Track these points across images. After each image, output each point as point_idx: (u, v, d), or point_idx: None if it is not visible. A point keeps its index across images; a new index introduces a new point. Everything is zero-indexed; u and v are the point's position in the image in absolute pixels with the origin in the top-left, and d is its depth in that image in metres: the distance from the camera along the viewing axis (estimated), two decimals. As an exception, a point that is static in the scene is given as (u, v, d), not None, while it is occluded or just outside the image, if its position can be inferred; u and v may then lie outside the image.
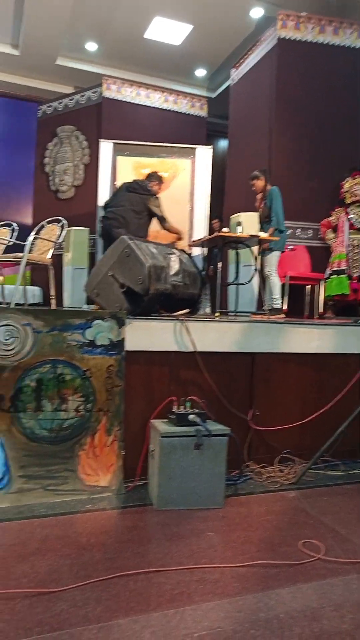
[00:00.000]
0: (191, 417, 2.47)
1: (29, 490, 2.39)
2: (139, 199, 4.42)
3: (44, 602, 1.55)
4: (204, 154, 6.62)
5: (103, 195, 6.49)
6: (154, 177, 4.69)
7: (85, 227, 6.27)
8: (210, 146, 6.80)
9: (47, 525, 2.12)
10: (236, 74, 6.78)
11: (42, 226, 4.56)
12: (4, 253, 4.65)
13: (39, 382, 2.49)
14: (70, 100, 7.49)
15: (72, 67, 7.75)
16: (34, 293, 6.90)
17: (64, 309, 5.21)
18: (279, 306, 4.51)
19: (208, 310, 4.71)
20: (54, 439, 2.49)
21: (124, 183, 4.67)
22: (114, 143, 6.51)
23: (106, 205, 4.66)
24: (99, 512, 2.31)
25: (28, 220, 7.85)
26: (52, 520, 2.18)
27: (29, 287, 6.16)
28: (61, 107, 7.63)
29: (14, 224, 4.90)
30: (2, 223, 4.98)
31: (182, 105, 7.66)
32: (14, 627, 1.42)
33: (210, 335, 2.87)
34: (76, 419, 2.54)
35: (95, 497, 2.47)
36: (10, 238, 4.73)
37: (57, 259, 5.37)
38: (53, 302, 4.48)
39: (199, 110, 7.74)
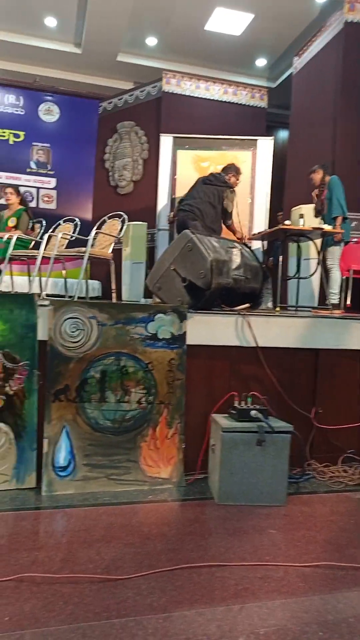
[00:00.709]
0: (253, 412, 2.44)
1: (93, 478, 2.45)
2: (215, 191, 4.40)
3: (110, 588, 1.58)
4: (265, 146, 6.49)
5: (163, 189, 6.53)
6: (231, 168, 4.65)
7: (143, 221, 6.34)
8: (271, 137, 6.66)
9: (110, 513, 2.17)
10: (299, 62, 6.58)
11: (104, 221, 4.65)
12: (66, 248, 4.78)
13: (103, 373, 2.55)
14: (130, 95, 7.57)
15: (132, 63, 7.83)
16: (94, 287, 7.06)
17: (126, 302, 5.29)
18: (336, 301, 4.37)
19: (270, 304, 4.63)
20: (117, 429, 2.54)
21: (201, 176, 4.66)
22: (174, 137, 6.52)
23: (182, 199, 4.68)
24: (160, 503, 2.33)
25: (88, 215, 8.02)
26: (116, 509, 2.22)
27: (89, 281, 6.31)
28: (121, 103, 7.73)
29: (77, 219, 5.03)
30: (66, 218, 5.12)
31: (242, 97, 7.54)
32: (83, 610, 1.46)
33: (273, 331, 2.82)
34: (138, 411, 2.58)
35: (156, 489, 2.50)
36: (73, 233, 4.85)
37: (116, 254, 5.46)
38: (114, 296, 4.57)
39: (259, 101, 7.59)
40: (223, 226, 4.58)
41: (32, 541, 1.89)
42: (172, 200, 6.53)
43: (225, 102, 7.40)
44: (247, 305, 3.23)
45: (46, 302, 2.52)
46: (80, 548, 1.84)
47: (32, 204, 7.80)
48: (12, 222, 5.12)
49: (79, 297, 4.19)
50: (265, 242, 5.67)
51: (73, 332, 2.52)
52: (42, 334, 2.51)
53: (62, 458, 2.44)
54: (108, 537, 1.93)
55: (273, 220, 6.46)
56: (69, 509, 2.22)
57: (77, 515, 2.16)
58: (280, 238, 4.68)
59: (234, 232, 4.58)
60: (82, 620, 1.41)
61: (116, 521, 2.08)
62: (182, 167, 6.46)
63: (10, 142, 8.07)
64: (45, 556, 1.76)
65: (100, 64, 7.71)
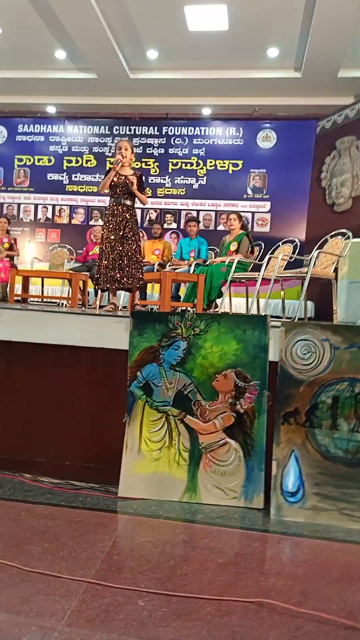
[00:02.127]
0: None
1: (323, 509, 2.32)
2: None
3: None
4: None
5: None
6: None
7: (364, 239, 5.97)
8: None
9: (347, 551, 2.01)
10: None
11: (326, 240, 4.54)
12: (285, 269, 4.80)
13: (334, 399, 2.42)
14: (351, 110, 7.31)
15: (354, 77, 7.55)
16: (308, 307, 6.93)
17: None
18: None
19: None
20: (350, 461, 2.37)
21: None
22: None
23: None
24: None
25: (302, 235, 7.97)
26: (352, 547, 2.05)
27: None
28: (340, 120, 7.52)
29: (297, 240, 5.02)
30: (285, 240, 5.16)
31: None
32: (331, 656, 1.36)
33: None
34: (373, 443, 2.37)
35: (395, 533, 2.24)
36: (292, 254, 4.85)
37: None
38: (335, 316, 4.39)
39: None
40: None
41: (266, 565, 1.87)
42: None
43: None
44: None
45: (278, 324, 2.53)
46: (318, 583, 1.74)
47: (247, 228, 8.12)
48: (233, 247, 5.38)
49: (299, 319, 4.15)
50: None
51: (304, 354, 2.47)
52: (273, 355, 2.52)
53: (290, 483, 2.39)
54: (348, 577, 1.79)
55: None
56: (299, 538, 2.14)
57: (309, 546, 2.06)
58: None
59: None
60: (332, 667, 1.31)
61: (355, 562, 1.92)
62: None
63: (230, 171, 8.58)
64: (283, 585, 1.71)
65: (320, 83, 7.65)
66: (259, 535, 2.16)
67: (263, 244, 5.55)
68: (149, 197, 8.46)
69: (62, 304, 6.24)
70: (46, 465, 2.70)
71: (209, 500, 2.45)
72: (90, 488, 2.57)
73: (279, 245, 5.19)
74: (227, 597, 1.61)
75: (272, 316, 5.05)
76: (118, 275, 4.02)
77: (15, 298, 5.38)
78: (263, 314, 3.16)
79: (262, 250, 5.42)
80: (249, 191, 8.51)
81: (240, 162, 8.51)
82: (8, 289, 5.68)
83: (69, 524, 2.12)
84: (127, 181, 4.01)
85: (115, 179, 4.06)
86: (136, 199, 4.18)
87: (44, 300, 6.63)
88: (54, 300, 6.64)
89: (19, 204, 9.14)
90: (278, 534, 2.17)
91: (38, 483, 2.60)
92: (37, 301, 6.60)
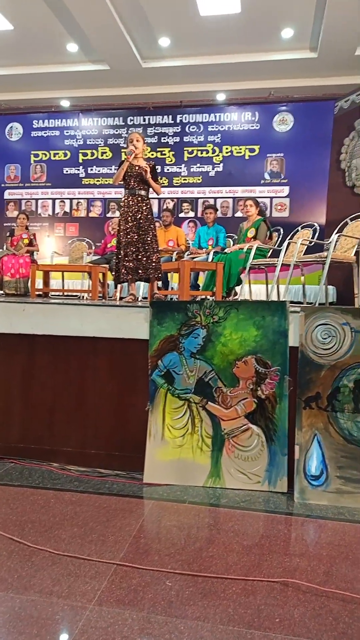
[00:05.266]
0: None
1: (347, 492, 2.33)
2: None
3: (383, 616, 1.46)
4: None
5: None
6: None
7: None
8: None
9: (371, 533, 2.03)
10: None
11: (346, 223, 4.47)
12: (305, 253, 4.75)
13: (356, 383, 2.42)
14: (370, 88, 7.13)
15: (371, 54, 7.35)
16: (329, 292, 6.85)
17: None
18: None
19: None
20: (373, 443, 2.37)
21: None
22: None
23: None
24: None
25: (322, 219, 7.86)
26: (376, 529, 2.07)
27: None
28: (359, 99, 7.35)
29: (316, 224, 4.96)
30: (304, 224, 5.10)
31: None
32: (357, 632, 1.38)
33: None
34: None
35: None
36: (312, 238, 4.80)
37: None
38: (356, 300, 4.34)
39: None
40: None
41: (290, 547, 1.89)
42: None
43: None
44: None
45: (297, 309, 2.52)
46: (343, 564, 1.75)
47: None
48: (251, 233, 5.34)
49: (320, 304, 4.12)
50: None
51: (325, 338, 2.46)
52: (293, 340, 2.52)
53: (313, 467, 2.40)
54: (372, 559, 1.80)
55: None
56: (323, 521, 2.16)
57: (333, 528, 2.08)
58: None
59: None
60: (356, 644, 1.33)
61: (379, 543, 1.93)
62: None
63: (246, 157, 8.49)
64: (307, 565, 1.74)
65: (337, 63, 7.45)
66: (283, 518, 2.18)
67: (282, 229, 5.50)
68: (165, 186, 8.48)
69: (83, 296, 6.31)
70: (72, 454, 2.77)
71: (233, 485, 2.49)
72: (115, 475, 2.63)
73: (298, 230, 5.13)
74: (252, 577, 1.64)
75: (293, 302, 5.01)
76: (135, 266, 4.05)
77: (37, 293, 5.47)
78: (282, 300, 3.14)
79: (281, 236, 5.37)
80: (267, 176, 8.40)
81: (257, 147, 8.40)
82: (29, 284, 5.76)
83: (96, 509, 2.18)
84: (141, 170, 4.02)
85: (128, 170, 4.07)
86: (150, 189, 4.18)
87: (65, 293, 6.70)
88: (74, 294, 6.71)
89: (36, 200, 9.23)
90: (302, 517, 2.20)
91: (65, 471, 2.67)
92: (58, 295, 6.69)
